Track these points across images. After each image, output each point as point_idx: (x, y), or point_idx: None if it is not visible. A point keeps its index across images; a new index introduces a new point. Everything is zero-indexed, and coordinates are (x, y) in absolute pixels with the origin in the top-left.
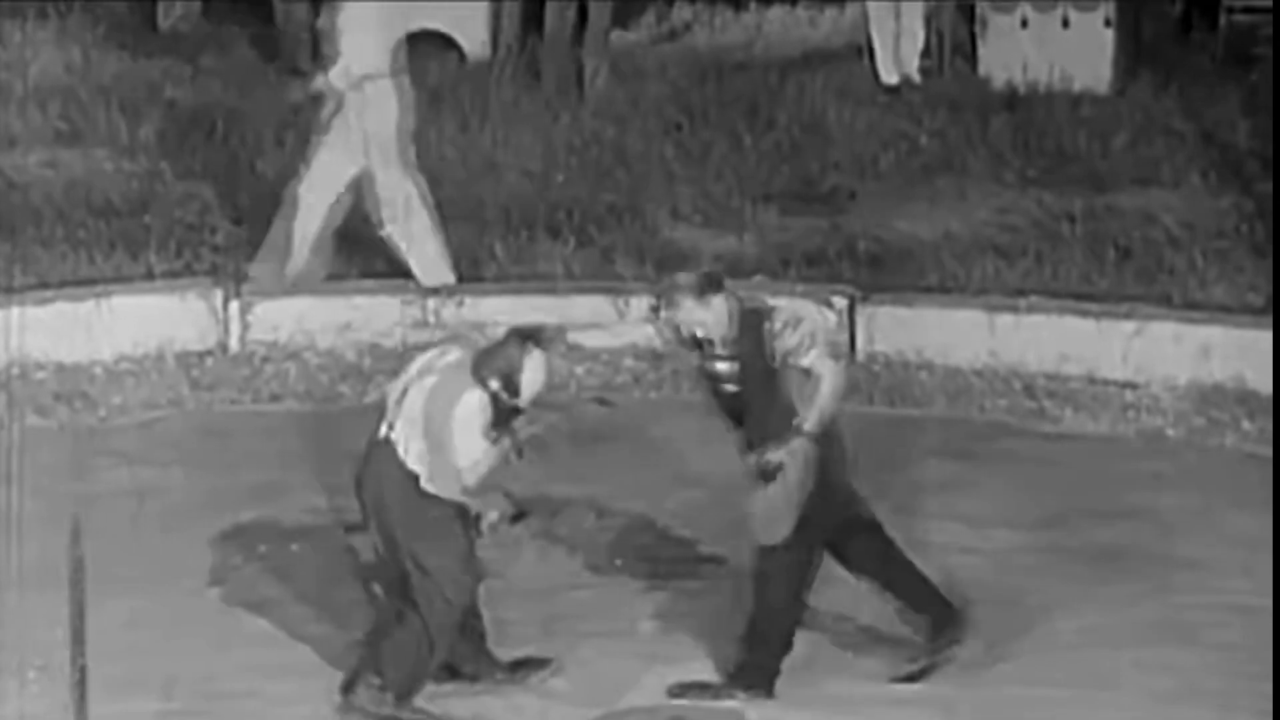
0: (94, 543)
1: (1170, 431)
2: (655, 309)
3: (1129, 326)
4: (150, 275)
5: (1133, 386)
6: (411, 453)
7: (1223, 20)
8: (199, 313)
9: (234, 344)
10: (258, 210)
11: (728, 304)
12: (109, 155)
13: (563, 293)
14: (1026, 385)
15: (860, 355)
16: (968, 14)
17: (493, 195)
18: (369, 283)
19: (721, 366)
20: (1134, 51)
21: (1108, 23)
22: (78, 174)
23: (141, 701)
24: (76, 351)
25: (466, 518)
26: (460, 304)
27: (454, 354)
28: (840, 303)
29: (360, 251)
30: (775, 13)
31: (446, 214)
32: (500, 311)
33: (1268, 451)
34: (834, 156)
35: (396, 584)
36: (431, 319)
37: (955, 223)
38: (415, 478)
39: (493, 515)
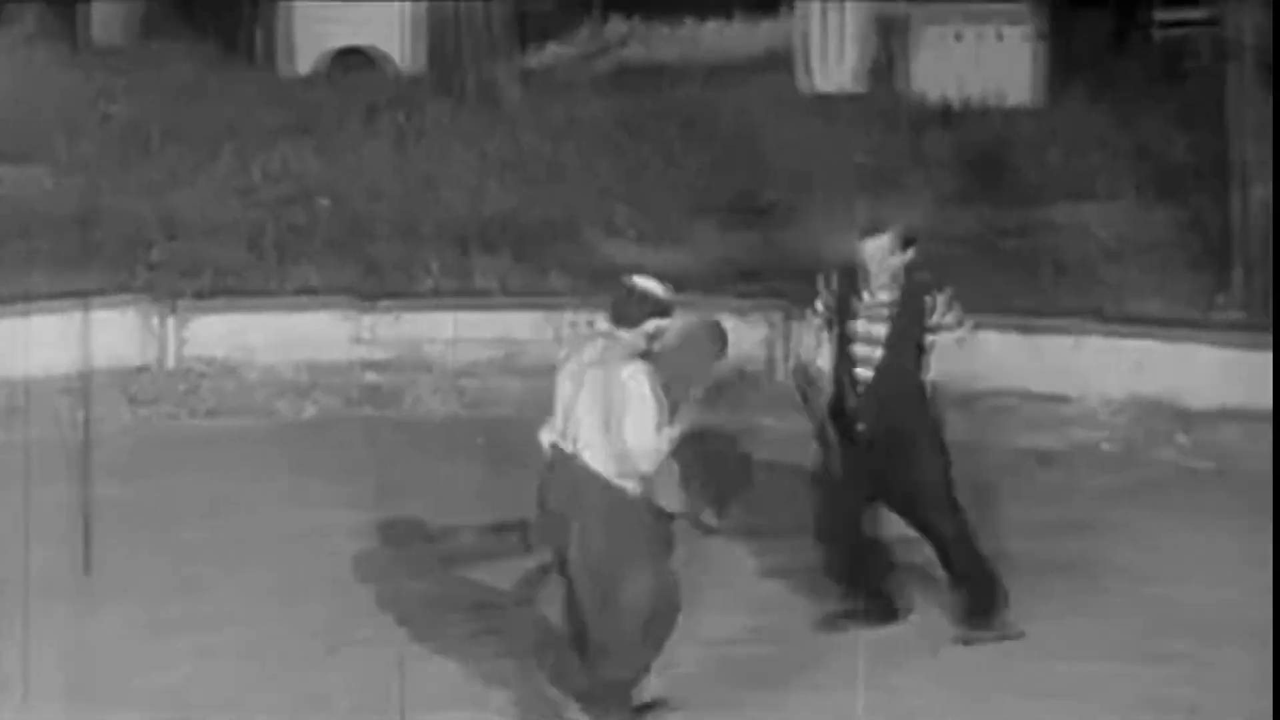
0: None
1: (1106, 445)
2: (591, 324)
3: (1065, 341)
4: (89, 291)
5: (1068, 400)
6: (598, 455)
7: (1154, 34)
8: (136, 329)
9: (171, 360)
10: (194, 227)
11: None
12: (47, 172)
13: (499, 308)
14: (962, 400)
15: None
16: (902, 29)
17: (428, 211)
18: (305, 299)
19: (867, 326)
20: (1067, 66)
21: (1039, 36)
22: (16, 192)
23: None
24: (13, 367)
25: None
26: (397, 319)
27: (590, 349)
28: (776, 317)
29: (297, 265)
30: (711, 26)
31: (382, 229)
32: (437, 327)
33: (1203, 464)
34: (770, 172)
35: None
36: (367, 334)
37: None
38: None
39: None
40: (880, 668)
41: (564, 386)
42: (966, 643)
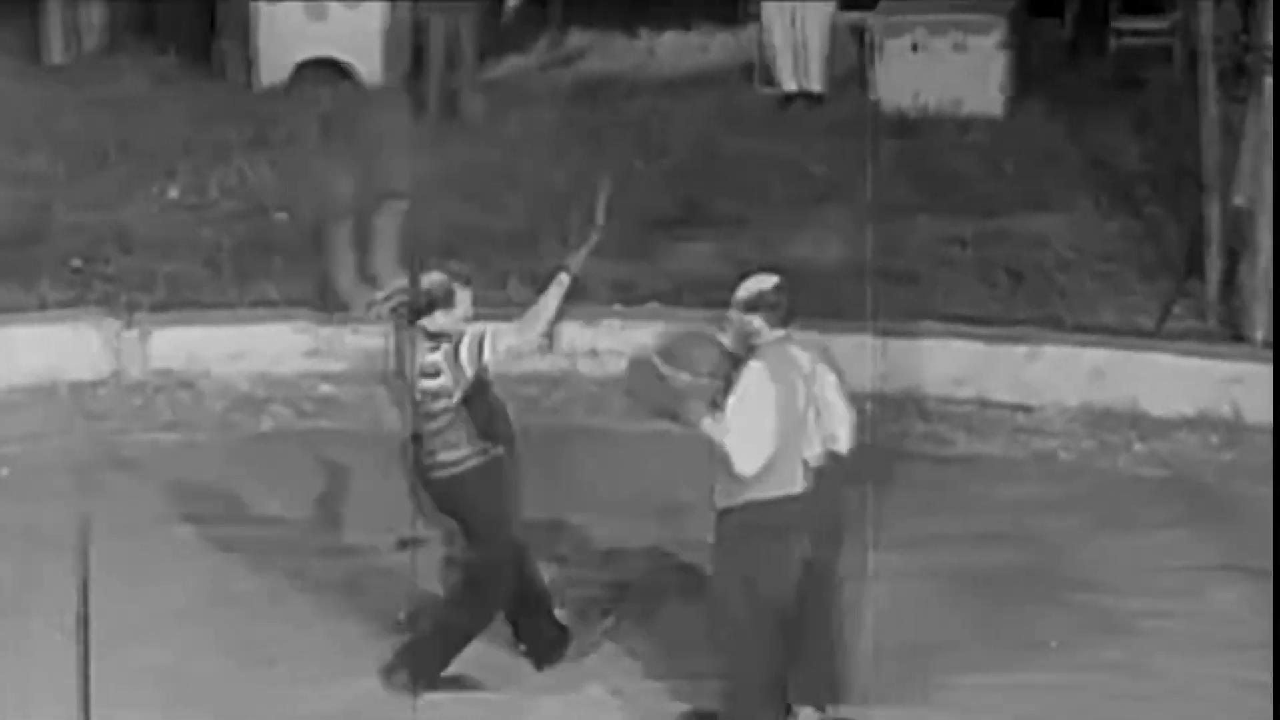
0: None
1: (1062, 454)
2: (549, 336)
3: (1021, 350)
4: (43, 305)
5: (1025, 409)
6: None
7: (1112, 44)
8: (92, 342)
9: (133, 373)
10: (149, 240)
11: None
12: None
13: None
14: (920, 409)
15: None
16: (861, 38)
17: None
18: (261, 311)
19: None
20: (1025, 75)
21: (1000, 45)
22: None
23: None
24: None
25: None
26: (355, 331)
27: (799, 358)
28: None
29: (253, 280)
30: (668, 37)
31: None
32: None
33: (1158, 473)
34: (724, 182)
35: None
36: (324, 347)
37: (847, 248)
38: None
39: None
40: None
41: (798, 398)
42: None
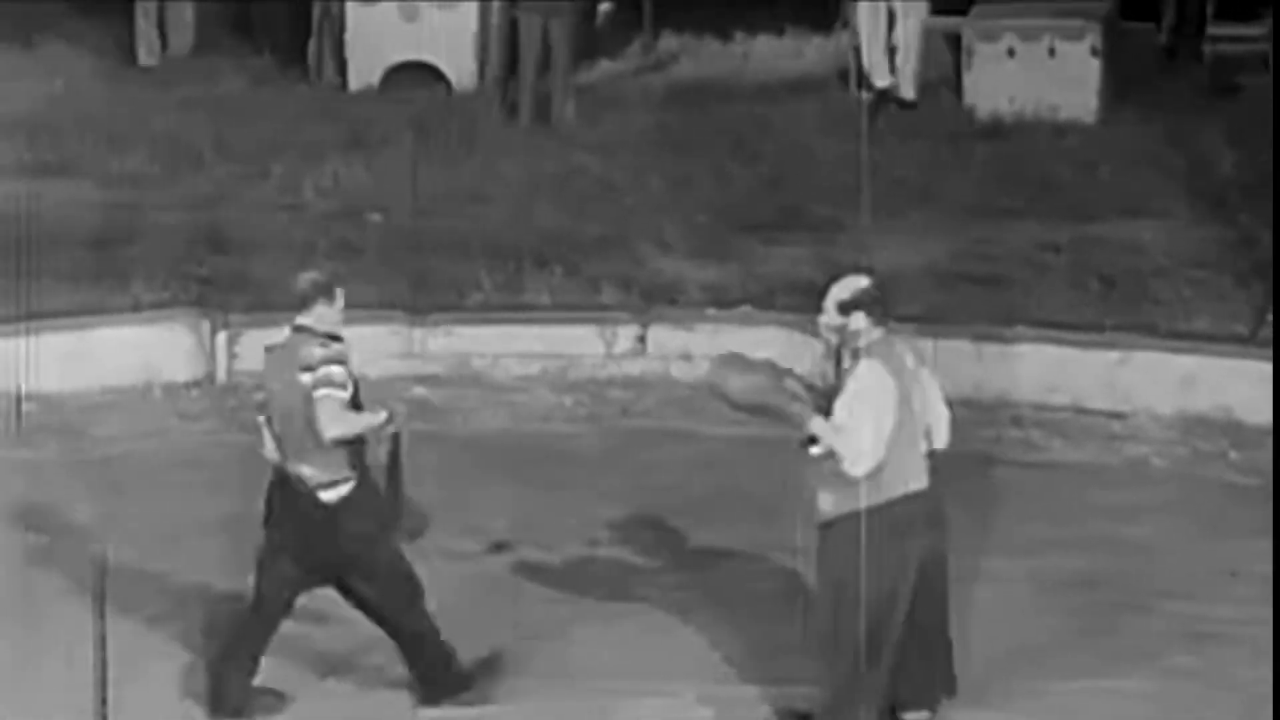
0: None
1: (1156, 461)
2: (641, 339)
3: (1114, 356)
4: (136, 306)
5: (1118, 416)
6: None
7: (1207, 50)
8: (185, 344)
9: (225, 374)
10: (243, 241)
11: None
12: (95, 186)
13: (549, 323)
14: (1013, 415)
15: None
16: (954, 44)
17: (479, 226)
18: (355, 312)
19: None
20: (1119, 81)
21: (1094, 52)
22: (63, 206)
23: None
24: (62, 383)
25: None
26: (448, 334)
27: (905, 355)
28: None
29: (346, 282)
30: (762, 42)
31: (433, 244)
32: (487, 342)
33: (1251, 481)
34: (819, 186)
35: None
36: (418, 349)
37: (940, 253)
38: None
39: None
40: None
41: (913, 395)
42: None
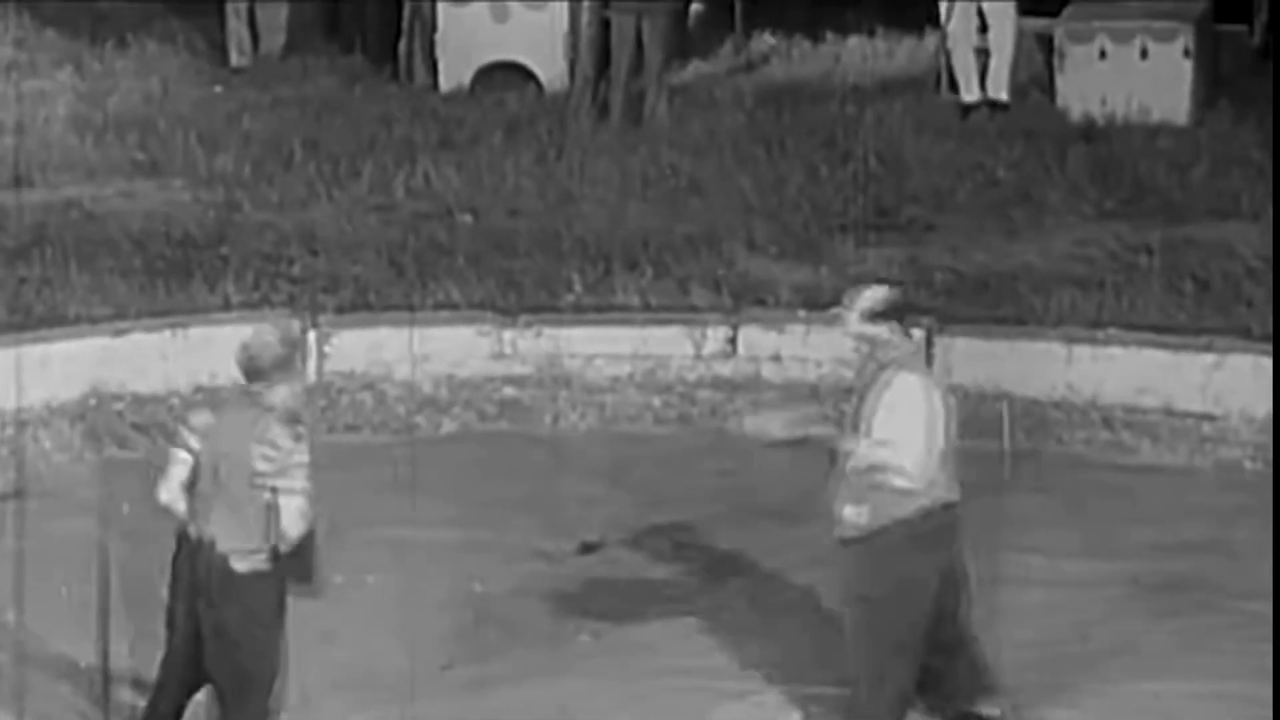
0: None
1: (1248, 464)
2: (731, 340)
3: (1207, 359)
4: (227, 306)
5: (1211, 419)
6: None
7: None
8: None
9: (311, 375)
10: (334, 241)
11: None
12: (186, 186)
13: (639, 324)
14: (1104, 417)
15: None
16: (1046, 45)
17: (570, 226)
18: (445, 314)
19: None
20: (1212, 82)
21: (1186, 53)
22: (155, 205)
23: None
24: (154, 382)
25: None
26: (538, 335)
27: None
28: (918, 334)
29: (437, 282)
30: (853, 43)
31: (523, 245)
32: (576, 342)
33: None
34: (911, 188)
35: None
36: (508, 350)
37: (1032, 254)
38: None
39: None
40: None
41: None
42: None
